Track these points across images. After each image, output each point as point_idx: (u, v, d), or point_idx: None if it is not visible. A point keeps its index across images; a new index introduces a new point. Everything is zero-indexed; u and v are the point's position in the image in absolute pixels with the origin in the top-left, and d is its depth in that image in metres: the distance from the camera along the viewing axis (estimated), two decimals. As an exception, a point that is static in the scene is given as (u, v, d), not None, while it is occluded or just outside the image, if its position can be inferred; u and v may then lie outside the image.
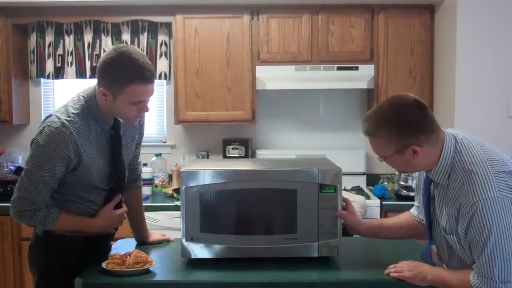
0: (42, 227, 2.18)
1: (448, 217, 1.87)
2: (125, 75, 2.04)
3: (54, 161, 2.05)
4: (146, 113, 2.31)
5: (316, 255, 2.16)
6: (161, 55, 4.36)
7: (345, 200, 2.22)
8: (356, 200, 3.62)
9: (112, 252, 2.30)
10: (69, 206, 2.20)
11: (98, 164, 2.17)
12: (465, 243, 1.83)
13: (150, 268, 2.09)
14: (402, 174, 3.96)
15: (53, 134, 2.05)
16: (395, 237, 2.31)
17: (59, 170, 2.08)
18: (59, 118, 2.08)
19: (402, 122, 1.83)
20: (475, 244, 1.78)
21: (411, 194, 3.69)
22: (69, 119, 2.09)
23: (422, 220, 2.16)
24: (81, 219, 2.21)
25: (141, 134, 2.45)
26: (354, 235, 2.32)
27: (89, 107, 2.15)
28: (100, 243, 2.34)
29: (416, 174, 2.18)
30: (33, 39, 4.39)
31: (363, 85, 4.12)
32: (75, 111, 2.13)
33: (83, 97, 2.18)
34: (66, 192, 2.19)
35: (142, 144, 2.54)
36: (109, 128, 2.21)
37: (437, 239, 2.03)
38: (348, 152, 4.40)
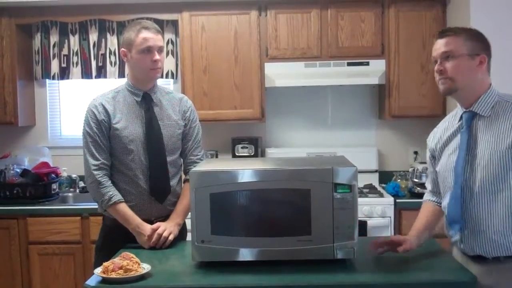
0: (100, 206, 2.57)
1: (500, 137, 2.03)
2: (134, 29, 2.58)
3: (90, 124, 2.58)
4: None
5: (331, 257, 2.09)
6: (167, 54, 4.29)
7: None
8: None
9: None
10: (114, 173, 2.60)
11: (129, 128, 2.59)
12: None
13: (160, 273, 2.02)
14: (417, 170, 3.88)
15: (88, 106, 2.63)
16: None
17: (96, 130, 2.56)
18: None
19: (482, 35, 2.17)
20: None
21: (425, 191, 3.59)
22: (101, 94, 2.67)
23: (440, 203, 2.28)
24: (130, 215, 2.52)
25: (187, 121, 2.78)
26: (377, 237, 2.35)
27: (125, 84, 2.69)
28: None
29: (432, 137, 2.35)
30: (37, 40, 4.34)
31: (375, 80, 4.03)
32: (112, 89, 2.70)
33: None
34: (113, 151, 2.59)
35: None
36: (140, 99, 2.63)
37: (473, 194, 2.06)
38: (360, 149, 4.31)
